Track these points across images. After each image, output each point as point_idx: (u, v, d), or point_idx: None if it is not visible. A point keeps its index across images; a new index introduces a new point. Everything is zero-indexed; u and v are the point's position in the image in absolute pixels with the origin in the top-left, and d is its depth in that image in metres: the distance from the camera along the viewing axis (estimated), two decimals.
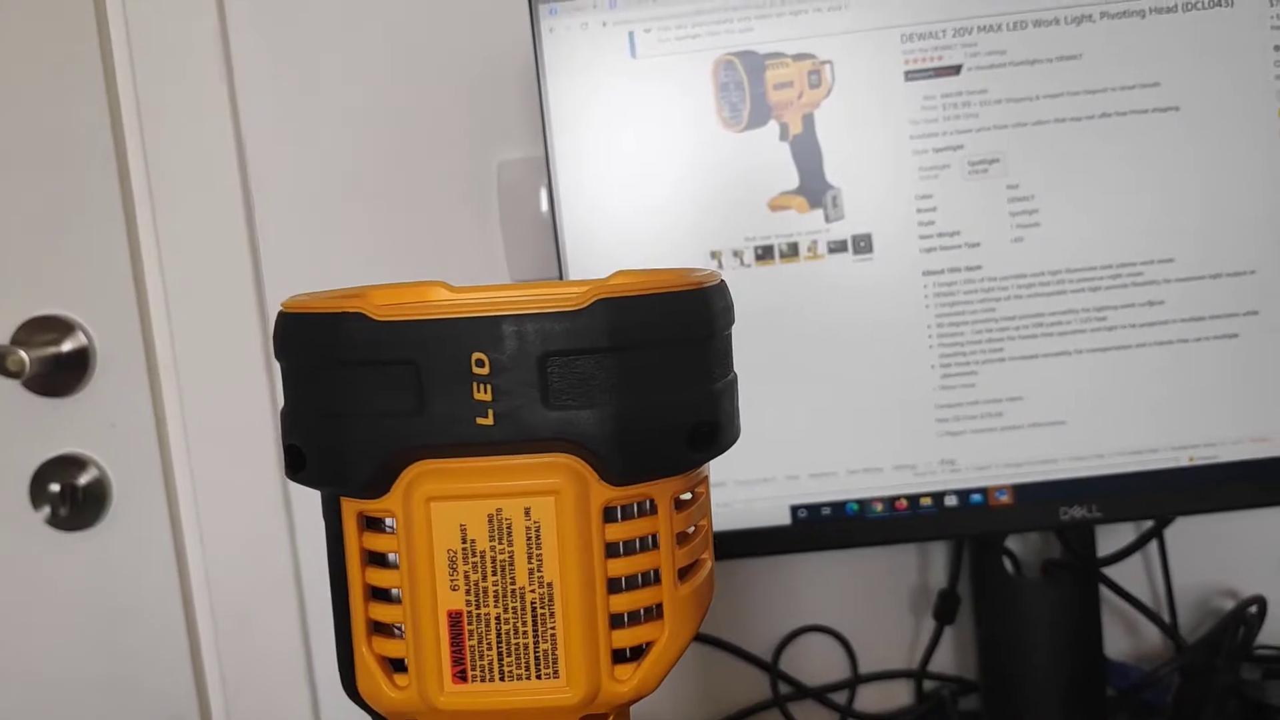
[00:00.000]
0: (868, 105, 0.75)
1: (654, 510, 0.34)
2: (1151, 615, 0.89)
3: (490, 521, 0.33)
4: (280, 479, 0.93)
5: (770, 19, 0.75)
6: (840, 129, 0.75)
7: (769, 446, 0.76)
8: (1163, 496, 0.76)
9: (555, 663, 0.33)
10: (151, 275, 0.92)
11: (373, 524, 0.34)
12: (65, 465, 0.92)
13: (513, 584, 0.33)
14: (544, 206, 0.89)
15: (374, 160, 0.92)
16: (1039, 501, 0.75)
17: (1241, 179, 0.74)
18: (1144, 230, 0.74)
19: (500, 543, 0.33)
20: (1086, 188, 0.74)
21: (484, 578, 0.33)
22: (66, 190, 0.91)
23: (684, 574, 0.36)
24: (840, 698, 0.94)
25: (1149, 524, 0.88)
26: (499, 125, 0.91)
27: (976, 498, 0.76)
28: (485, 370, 0.32)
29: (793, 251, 0.76)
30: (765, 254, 0.76)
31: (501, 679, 0.33)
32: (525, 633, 0.33)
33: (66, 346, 0.91)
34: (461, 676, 0.33)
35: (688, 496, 0.37)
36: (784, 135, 0.75)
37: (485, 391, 0.32)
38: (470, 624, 0.33)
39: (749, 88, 0.75)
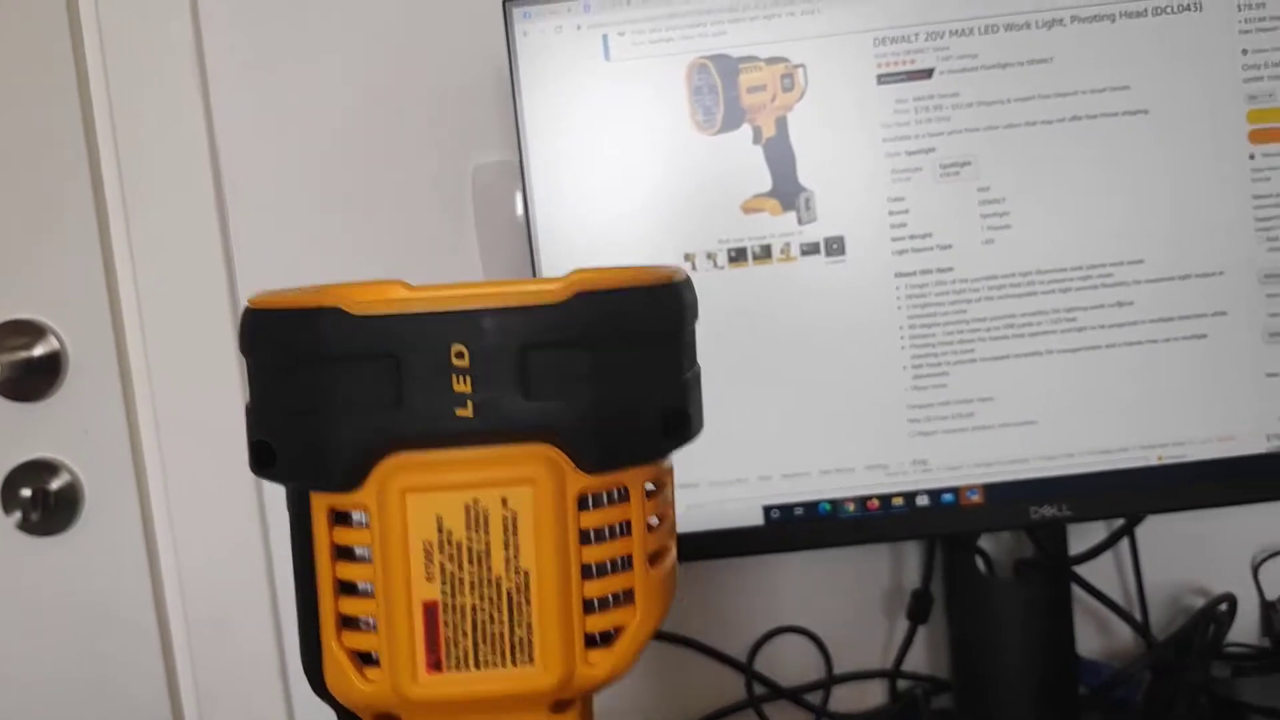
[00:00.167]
0: (841, 108, 0.75)
1: (627, 498, 0.35)
2: (1123, 613, 0.90)
3: (467, 512, 0.33)
4: (254, 483, 0.92)
5: (744, 23, 0.75)
6: (813, 132, 0.75)
7: (742, 447, 0.76)
8: (1132, 495, 0.77)
9: (531, 649, 0.34)
10: (124, 279, 0.92)
11: (342, 518, 0.34)
12: (37, 470, 0.92)
13: (489, 573, 0.33)
14: (519, 210, 0.89)
15: (348, 163, 0.92)
16: (1010, 501, 0.76)
17: (1210, 181, 0.75)
18: (1114, 232, 0.75)
19: (477, 532, 0.33)
20: (1057, 190, 0.75)
21: (460, 568, 0.33)
22: (39, 195, 0.91)
23: (654, 559, 0.36)
24: (815, 698, 0.94)
25: (1120, 523, 0.89)
26: (474, 128, 0.91)
27: (948, 497, 0.76)
28: (465, 362, 0.33)
29: (766, 254, 0.76)
30: (738, 256, 0.76)
31: (476, 667, 0.34)
32: (501, 621, 0.33)
33: (38, 351, 0.91)
34: (436, 666, 0.33)
35: (656, 488, 0.37)
36: (757, 138, 0.76)
37: (465, 383, 0.33)
38: (445, 614, 0.33)
39: (722, 91, 0.75)
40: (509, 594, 0.33)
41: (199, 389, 0.92)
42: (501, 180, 0.90)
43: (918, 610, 0.90)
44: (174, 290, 0.92)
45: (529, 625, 0.34)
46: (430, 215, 0.92)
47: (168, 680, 0.94)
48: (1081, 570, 0.88)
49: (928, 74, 0.75)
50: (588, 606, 0.34)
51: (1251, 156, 0.75)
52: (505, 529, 0.33)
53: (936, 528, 0.78)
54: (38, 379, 0.91)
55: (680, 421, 0.36)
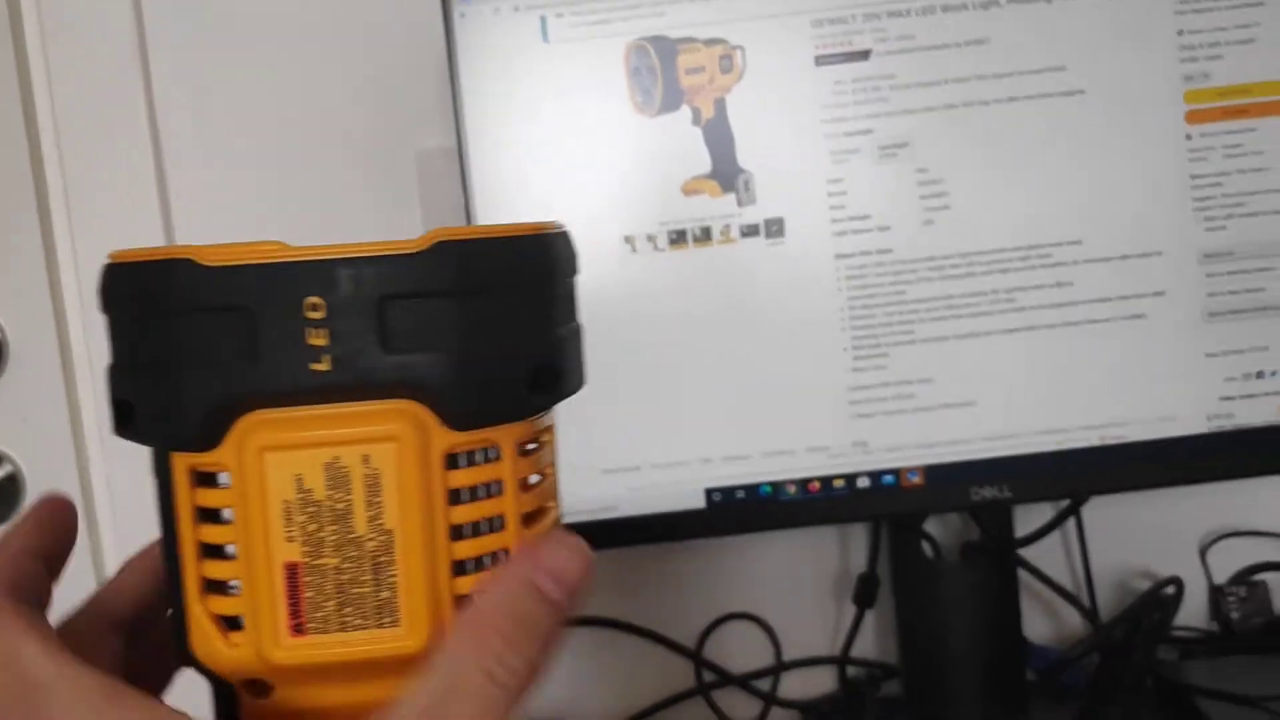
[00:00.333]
0: (779, 90, 0.75)
1: (499, 456, 0.34)
2: (1068, 596, 0.90)
3: (327, 470, 0.33)
4: None
5: (682, 4, 0.75)
6: (752, 114, 0.75)
7: (683, 429, 0.76)
8: (1073, 476, 0.77)
9: (396, 611, 0.33)
10: (65, 267, 0.91)
11: (205, 479, 0.34)
12: None
13: (351, 533, 0.33)
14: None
15: (292, 150, 0.92)
16: (950, 482, 0.76)
17: (1148, 161, 0.75)
18: (1052, 213, 0.75)
19: (338, 491, 0.33)
20: (995, 171, 0.75)
21: (321, 528, 0.33)
22: None
23: (529, 520, 0.36)
24: (765, 684, 0.94)
25: (1065, 504, 0.89)
26: (418, 113, 0.90)
27: (889, 479, 0.76)
28: (320, 314, 0.32)
29: (706, 236, 0.76)
30: (678, 238, 0.76)
31: (340, 630, 0.33)
32: (365, 582, 0.33)
33: None
34: (299, 629, 0.33)
35: (534, 446, 0.36)
36: (696, 120, 0.75)
37: (320, 336, 0.32)
38: (307, 575, 0.33)
39: (661, 72, 0.75)
40: (373, 554, 0.33)
41: None
42: (447, 165, 0.90)
43: (863, 595, 0.90)
44: None
45: (394, 587, 0.33)
46: (375, 201, 0.92)
47: None
48: (1029, 553, 0.88)
49: (865, 55, 0.75)
50: (458, 568, 0.34)
51: (1188, 137, 0.75)
52: (368, 488, 0.33)
53: (877, 509, 0.78)
54: None
55: (551, 377, 0.35)
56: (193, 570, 0.34)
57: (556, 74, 0.75)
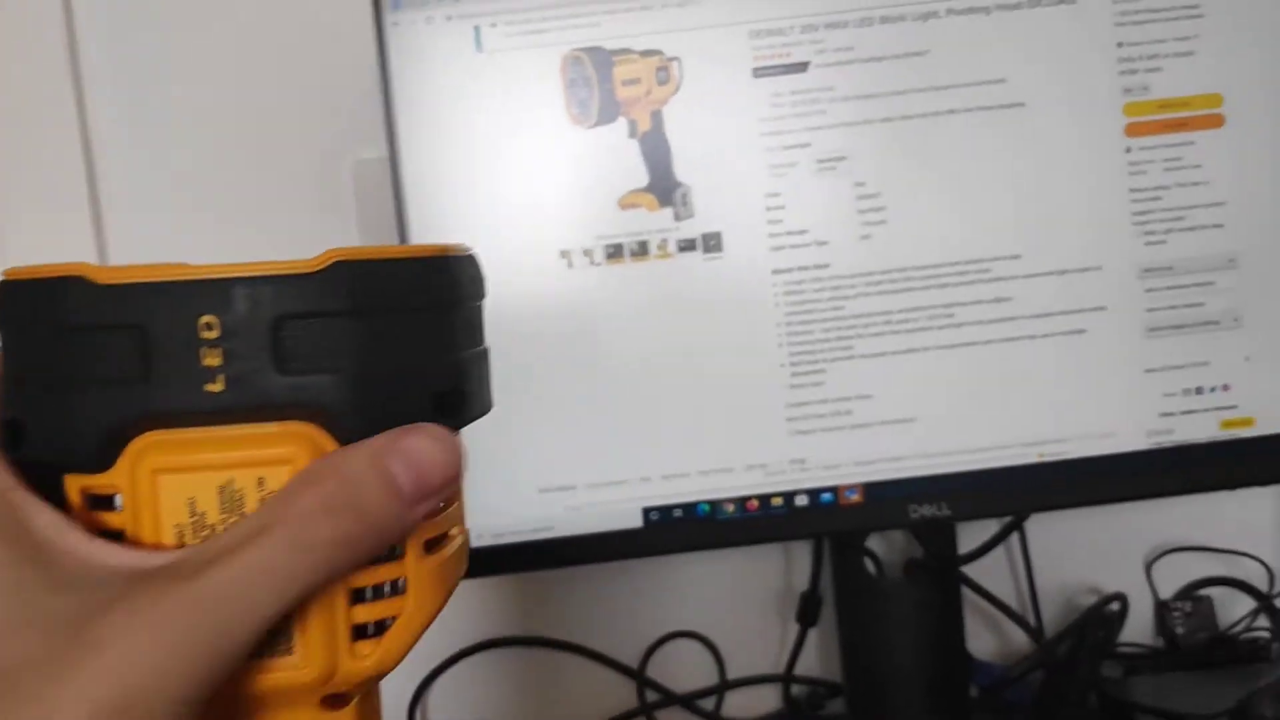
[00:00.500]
0: (716, 102, 0.74)
1: None
2: (1010, 612, 0.89)
3: (221, 493, 0.32)
4: None
5: (618, 14, 0.74)
6: (689, 126, 0.74)
7: (620, 448, 0.75)
8: (1013, 494, 0.76)
9: (290, 640, 0.32)
10: None
11: (99, 502, 0.33)
12: None
13: None
14: None
15: (226, 162, 0.90)
16: (889, 500, 0.75)
17: (1087, 175, 0.75)
18: (991, 227, 0.74)
19: (232, 516, 0.32)
20: (933, 185, 0.74)
21: None
22: None
23: (431, 546, 0.35)
24: (708, 704, 0.93)
25: (1007, 521, 0.88)
26: (355, 124, 0.89)
27: (827, 497, 0.75)
28: (214, 334, 0.31)
29: (643, 250, 0.75)
30: (615, 252, 0.75)
31: None
32: None
33: None
34: None
35: None
36: (633, 132, 0.74)
37: (215, 356, 0.31)
38: None
39: (597, 84, 0.74)
40: None
41: None
42: (384, 176, 0.88)
43: (806, 613, 0.89)
44: None
45: (287, 615, 0.32)
46: (312, 213, 0.90)
47: None
48: (975, 569, 0.88)
49: (803, 67, 0.74)
50: (355, 596, 0.33)
51: (1128, 150, 0.75)
52: None
53: (816, 528, 0.77)
54: None
55: (454, 401, 0.34)
56: None
57: (491, 85, 0.74)
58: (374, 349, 0.32)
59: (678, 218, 0.74)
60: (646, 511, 0.75)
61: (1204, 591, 0.93)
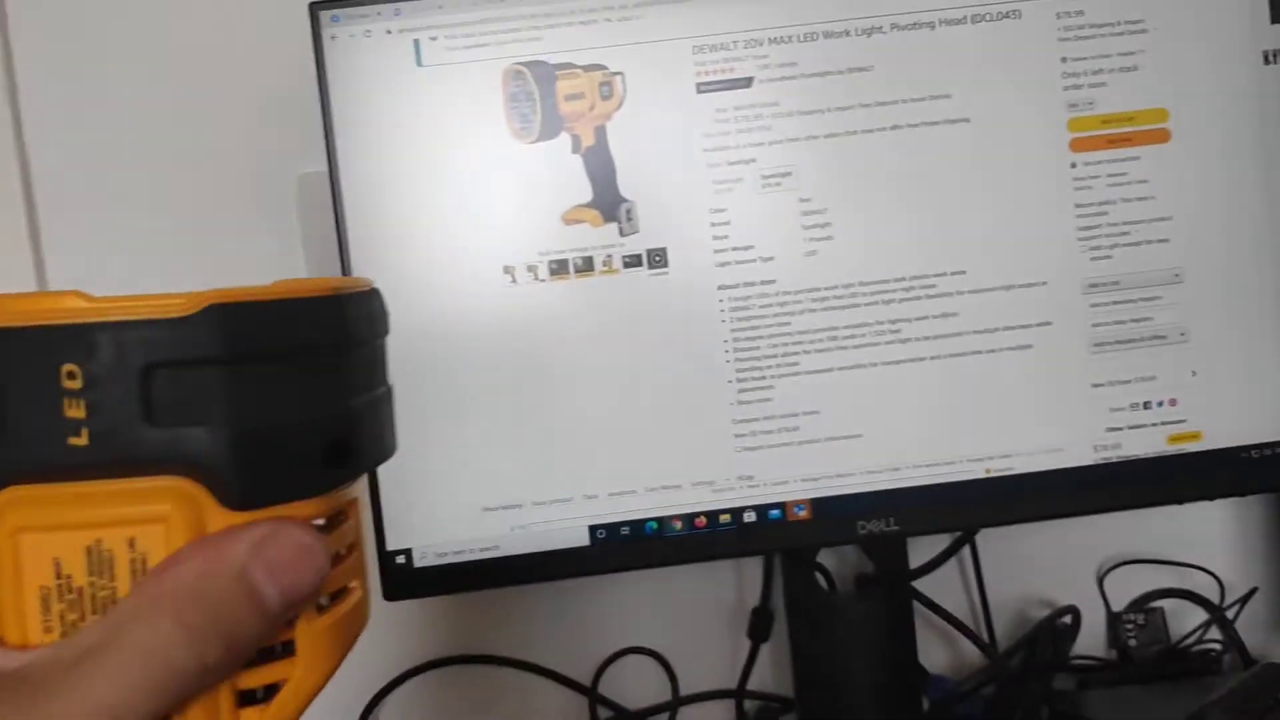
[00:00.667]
0: (660, 118, 0.73)
1: None
2: (960, 626, 0.89)
3: (89, 554, 0.30)
4: None
5: (560, 28, 0.73)
6: (633, 142, 0.73)
7: (566, 465, 0.74)
8: (960, 509, 0.75)
9: (166, 717, 0.30)
10: None
11: None
12: None
13: None
14: None
15: (167, 174, 0.89)
16: (837, 516, 0.75)
17: (1032, 190, 0.74)
18: (936, 242, 0.74)
19: (100, 578, 0.30)
20: (878, 200, 0.74)
21: (82, 617, 0.30)
22: None
23: (325, 605, 0.33)
24: None
25: (957, 535, 0.88)
26: (298, 138, 0.88)
27: (775, 513, 0.75)
28: (77, 384, 0.29)
29: (588, 266, 0.74)
30: (560, 268, 0.74)
31: None
32: None
33: None
34: None
35: (326, 521, 0.34)
36: (576, 147, 0.73)
37: (78, 408, 0.29)
38: None
39: (540, 98, 0.73)
40: None
41: None
42: (327, 190, 0.87)
43: (758, 628, 0.89)
44: None
45: None
46: (254, 227, 0.89)
47: None
48: (927, 583, 0.87)
49: (747, 83, 0.73)
50: None
51: (1073, 165, 0.74)
52: (134, 574, 0.30)
53: (764, 544, 0.76)
54: None
55: (345, 452, 0.32)
56: None
57: (431, 99, 0.73)
58: (253, 399, 0.30)
59: (622, 233, 0.74)
60: (593, 529, 0.74)
61: (1156, 604, 0.93)
